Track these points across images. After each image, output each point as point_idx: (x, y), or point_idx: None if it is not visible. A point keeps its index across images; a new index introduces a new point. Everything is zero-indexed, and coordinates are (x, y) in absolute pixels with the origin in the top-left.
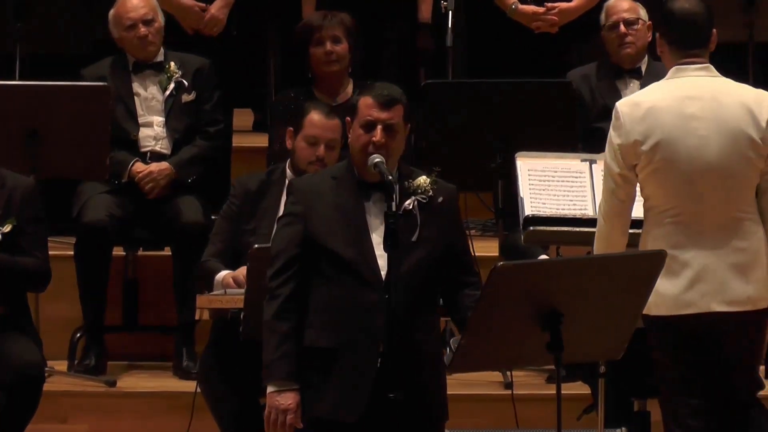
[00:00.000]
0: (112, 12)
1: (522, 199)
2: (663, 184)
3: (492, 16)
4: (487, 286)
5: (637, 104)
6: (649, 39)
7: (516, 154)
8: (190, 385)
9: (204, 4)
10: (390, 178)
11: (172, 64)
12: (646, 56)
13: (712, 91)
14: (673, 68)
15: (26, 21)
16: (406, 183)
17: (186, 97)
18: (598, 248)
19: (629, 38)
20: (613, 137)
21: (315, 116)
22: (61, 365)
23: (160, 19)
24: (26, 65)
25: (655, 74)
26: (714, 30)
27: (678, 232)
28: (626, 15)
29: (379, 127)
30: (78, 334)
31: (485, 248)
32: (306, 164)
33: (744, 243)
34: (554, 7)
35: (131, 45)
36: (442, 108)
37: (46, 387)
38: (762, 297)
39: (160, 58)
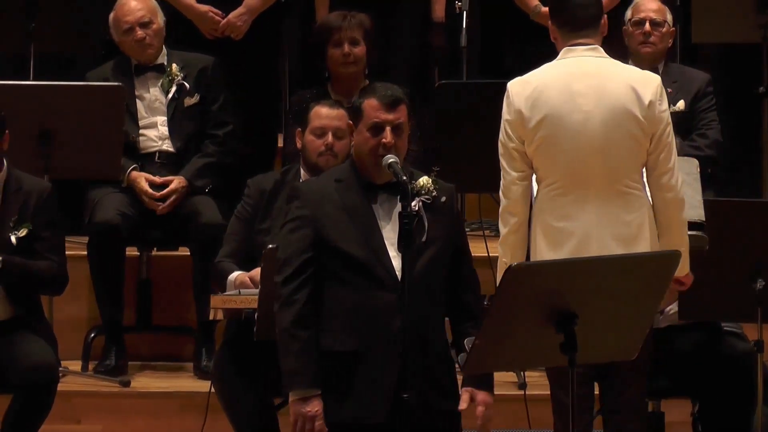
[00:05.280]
0: (111, 15)
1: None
2: (549, 158)
3: (505, 16)
4: (501, 287)
5: (526, 82)
6: (670, 44)
7: None
8: (204, 385)
9: (220, 11)
10: (405, 178)
11: (174, 66)
12: (664, 60)
13: (598, 69)
14: (564, 49)
15: (39, 20)
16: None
17: (189, 101)
18: (501, 222)
19: (653, 38)
20: (504, 114)
21: (319, 109)
22: (75, 365)
23: (159, 20)
24: (39, 65)
25: (672, 76)
26: (605, 15)
27: (563, 205)
28: (654, 15)
29: (388, 128)
30: (92, 334)
31: None
32: (316, 156)
33: (629, 216)
34: None
35: (130, 48)
36: (456, 108)
37: (60, 387)
38: None
39: (163, 59)
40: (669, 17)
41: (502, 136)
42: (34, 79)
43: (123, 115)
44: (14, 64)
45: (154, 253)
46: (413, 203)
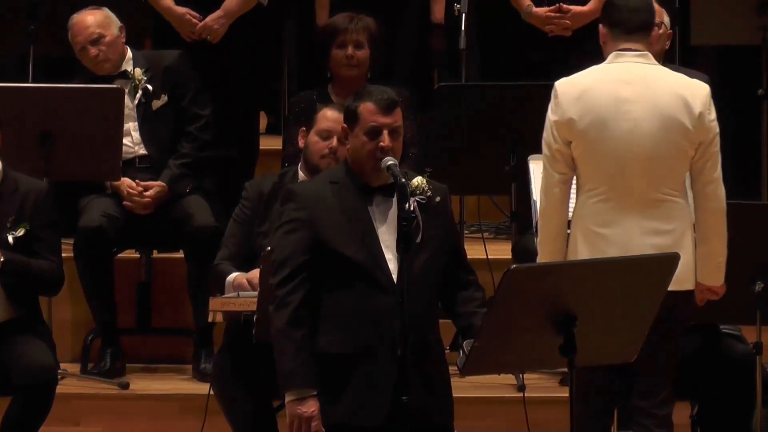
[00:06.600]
0: (69, 33)
1: (535, 201)
2: (593, 164)
3: (504, 18)
4: (501, 289)
5: (574, 84)
6: (667, 46)
7: (529, 157)
8: (203, 388)
9: (198, 14)
10: (403, 180)
11: (137, 70)
12: (662, 62)
13: (647, 77)
14: (613, 53)
15: (39, 23)
16: None
17: (156, 103)
18: (540, 224)
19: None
20: (551, 114)
21: (328, 111)
22: (74, 368)
23: (113, 31)
24: (39, 67)
25: None
26: (655, 22)
27: (604, 211)
28: None
29: (385, 131)
30: (90, 337)
31: (499, 251)
32: (318, 158)
33: (669, 225)
34: (568, 10)
35: (89, 65)
36: (456, 110)
37: (59, 390)
38: (686, 279)
39: (127, 65)
40: (666, 19)
41: (547, 136)
42: (34, 82)
43: (122, 117)
44: (14, 66)
45: (154, 255)
46: (410, 204)
